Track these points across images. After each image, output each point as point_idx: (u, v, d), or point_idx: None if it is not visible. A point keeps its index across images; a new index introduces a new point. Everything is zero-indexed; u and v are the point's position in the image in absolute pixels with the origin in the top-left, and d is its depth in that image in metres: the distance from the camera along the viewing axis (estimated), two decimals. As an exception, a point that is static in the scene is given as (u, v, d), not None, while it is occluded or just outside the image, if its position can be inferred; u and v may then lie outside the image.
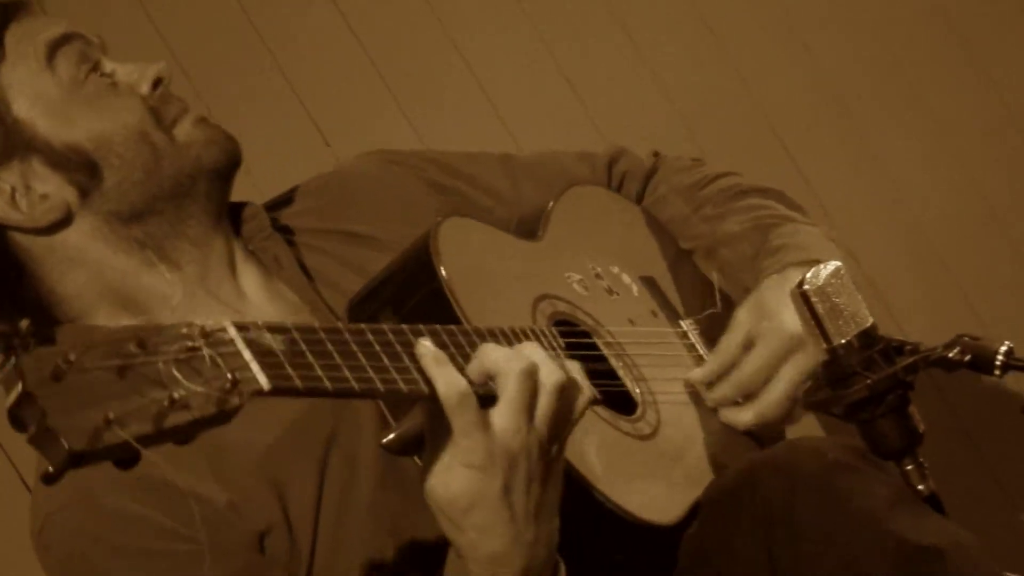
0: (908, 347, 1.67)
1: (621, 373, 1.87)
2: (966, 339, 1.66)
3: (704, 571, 1.60)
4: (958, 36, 2.98)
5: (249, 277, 1.82)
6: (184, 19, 2.56)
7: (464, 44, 2.82)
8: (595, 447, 1.75)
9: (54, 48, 1.69)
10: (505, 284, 1.82)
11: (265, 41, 2.57)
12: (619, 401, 1.83)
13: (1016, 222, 2.98)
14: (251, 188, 1.94)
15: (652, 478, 1.79)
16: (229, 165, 1.77)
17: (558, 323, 1.83)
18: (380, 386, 1.38)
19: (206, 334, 1.23)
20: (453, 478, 1.41)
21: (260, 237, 1.84)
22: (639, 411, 1.83)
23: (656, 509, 1.73)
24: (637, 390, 1.86)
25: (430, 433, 1.42)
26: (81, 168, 1.68)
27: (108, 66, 1.74)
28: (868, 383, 1.63)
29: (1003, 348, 1.64)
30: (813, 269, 1.69)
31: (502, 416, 1.40)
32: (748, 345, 1.83)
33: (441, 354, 1.40)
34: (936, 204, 2.96)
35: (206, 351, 1.23)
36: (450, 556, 1.53)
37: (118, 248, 1.72)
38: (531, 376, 1.41)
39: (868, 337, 1.66)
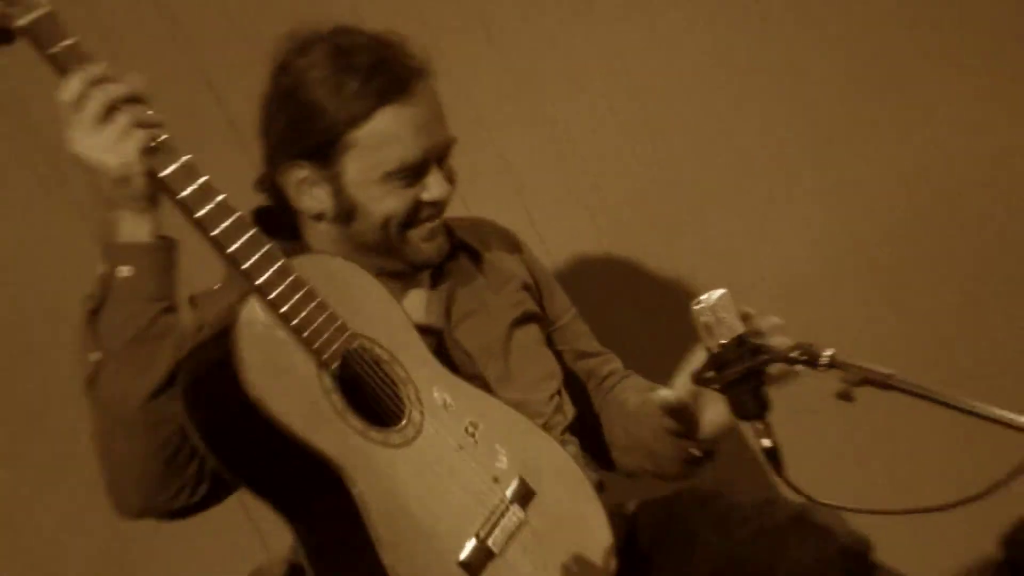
0: (764, 347, 1.93)
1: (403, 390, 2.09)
2: (804, 345, 1.89)
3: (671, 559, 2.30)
4: (850, 98, 3.17)
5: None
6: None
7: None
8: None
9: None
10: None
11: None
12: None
13: (880, 255, 3.19)
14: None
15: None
16: (427, 264, 2.34)
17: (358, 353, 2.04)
18: None
19: None
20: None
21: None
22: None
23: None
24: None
25: None
26: (347, 210, 2.29)
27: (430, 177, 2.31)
28: (738, 370, 1.91)
29: (827, 352, 1.84)
30: (707, 294, 1.92)
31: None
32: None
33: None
34: (806, 244, 3.17)
35: None
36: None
37: (337, 239, 2.36)
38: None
39: (740, 340, 1.93)
